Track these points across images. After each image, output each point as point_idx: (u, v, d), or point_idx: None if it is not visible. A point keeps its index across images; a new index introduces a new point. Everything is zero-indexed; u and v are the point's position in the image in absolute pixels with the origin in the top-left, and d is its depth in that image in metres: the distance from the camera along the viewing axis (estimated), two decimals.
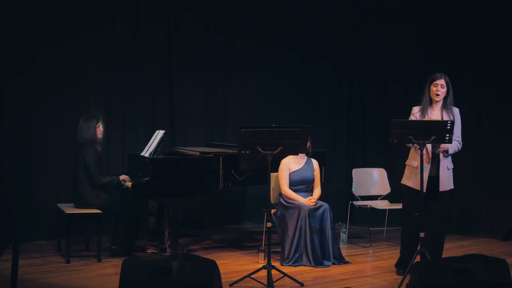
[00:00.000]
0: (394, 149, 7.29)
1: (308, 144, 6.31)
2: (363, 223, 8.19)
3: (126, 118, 7.70)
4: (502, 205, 7.65)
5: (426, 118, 5.56)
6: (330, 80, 8.67)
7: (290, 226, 6.16)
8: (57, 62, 7.19)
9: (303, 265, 6.09)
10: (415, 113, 5.67)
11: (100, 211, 6.22)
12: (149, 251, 6.55)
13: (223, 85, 8.33)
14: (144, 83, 7.81)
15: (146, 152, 6.48)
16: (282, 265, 6.07)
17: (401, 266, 5.78)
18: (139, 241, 6.71)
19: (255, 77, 8.45)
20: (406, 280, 4.88)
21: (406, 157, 5.80)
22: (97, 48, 7.42)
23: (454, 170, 5.74)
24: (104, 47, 7.47)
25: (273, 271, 5.37)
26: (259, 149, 5.37)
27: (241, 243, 7.28)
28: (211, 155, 6.38)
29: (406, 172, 5.78)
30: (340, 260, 6.24)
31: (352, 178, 7.65)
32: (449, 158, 5.66)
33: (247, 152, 5.41)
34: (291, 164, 6.44)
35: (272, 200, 6.57)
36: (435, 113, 5.63)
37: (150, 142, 6.61)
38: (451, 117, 5.58)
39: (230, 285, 5.36)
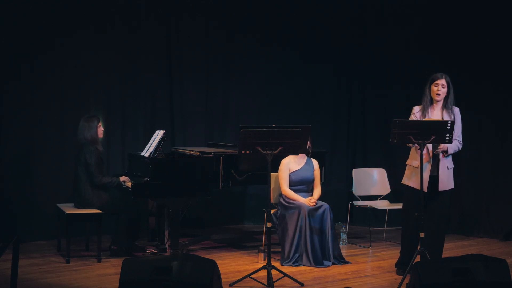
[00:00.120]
0: (394, 149, 7.29)
1: (308, 144, 6.31)
2: (363, 223, 8.19)
3: (126, 118, 7.70)
4: (502, 205, 7.66)
5: (426, 118, 5.56)
6: (330, 80, 8.67)
7: (290, 226, 6.16)
8: (57, 62, 7.19)
9: (303, 265, 6.09)
10: (416, 113, 5.67)
11: (100, 211, 6.22)
12: (149, 251, 6.55)
13: (223, 85, 8.33)
14: (144, 83, 7.81)
15: (146, 152, 6.48)
16: (282, 265, 6.07)
17: (401, 266, 5.78)
18: (139, 241, 6.71)
19: (255, 77, 8.45)
20: (406, 280, 4.88)
21: (406, 157, 5.80)
22: (97, 48, 7.42)
23: (454, 170, 5.74)
24: (104, 47, 7.47)
25: (273, 271, 5.37)
26: (259, 149, 5.37)
27: (241, 243, 7.28)
28: (211, 155, 6.38)
29: (407, 172, 5.78)
30: (340, 260, 6.24)
31: (352, 178, 7.66)
32: (450, 158, 5.65)
33: (247, 152, 5.41)
34: (291, 164, 6.44)
35: (272, 200, 6.57)
36: (435, 113, 5.63)
37: (150, 142, 6.62)
38: (452, 116, 5.58)
39: (230, 285, 5.36)
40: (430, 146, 5.52)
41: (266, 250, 5.65)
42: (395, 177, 7.16)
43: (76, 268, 5.95)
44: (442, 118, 5.58)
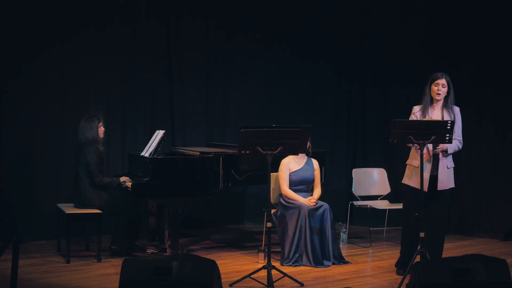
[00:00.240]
0: (394, 149, 7.29)
1: (308, 144, 6.30)
2: (363, 223, 8.19)
3: (126, 118, 7.70)
4: (502, 205, 7.66)
5: (427, 118, 5.56)
6: (330, 80, 8.67)
7: (290, 226, 6.16)
8: (57, 62, 7.19)
9: (303, 265, 6.09)
10: (416, 113, 5.67)
11: (100, 211, 6.22)
12: (149, 251, 6.54)
13: (223, 85, 8.33)
14: (144, 83, 7.81)
15: (146, 152, 6.48)
16: (282, 265, 6.07)
17: (401, 266, 5.78)
18: (139, 241, 6.71)
19: (255, 77, 8.45)
20: (406, 280, 4.88)
21: (406, 157, 5.80)
22: (97, 48, 7.42)
23: (454, 169, 5.73)
24: (104, 47, 7.47)
25: (273, 271, 5.37)
26: (259, 149, 5.37)
27: (241, 243, 7.28)
28: (211, 155, 6.38)
29: (407, 171, 5.78)
30: (340, 260, 6.24)
31: (352, 178, 7.65)
32: (450, 157, 5.65)
33: (247, 152, 5.41)
34: (291, 164, 6.44)
35: (272, 200, 6.57)
36: (435, 113, 5.63)
37: (150, 142, 6.62)
38: (452, 116, 5.58)
39: (230, 285, 5.36)
40: (430, 145, 5.52)
41: (266, 250, 5.65)
42: (395, 177, 7.16)
43: (76, 268, 5.94)
44: (442, 118, 5.58)
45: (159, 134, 6.53)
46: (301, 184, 6.42)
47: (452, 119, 5.53)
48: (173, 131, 7.99)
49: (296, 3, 8.47)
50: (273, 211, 6.40)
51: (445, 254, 5.88)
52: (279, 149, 5.39)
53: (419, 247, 5.35)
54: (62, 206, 6.45)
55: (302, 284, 5.42)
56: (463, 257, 4.16)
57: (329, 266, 6.10)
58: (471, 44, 7.77)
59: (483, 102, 7.74)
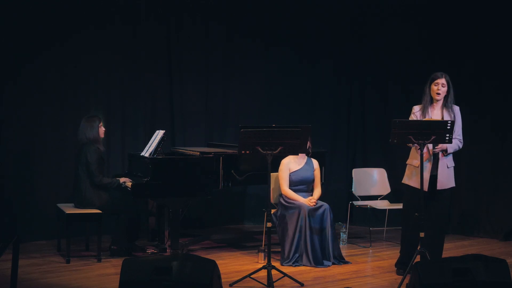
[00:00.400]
0: (394, 149, 7.29)
1: (308, 144, 6.30)
2: (363, 223, 8.19)
3: (126, 118, 7.70)
4: (502, 205, 7.65)
5: (426, 117, 5.56)
6: (330, 80, 8.67)
7: (290, 226, 6.16)
8: (57, 62, 7.19)
9: (303, 265, 6.09)
10: (416, 112, 5.67)
11: (100, 211, 6.22)
12: (149, 251, 6.54)
13: (223, 85, 8.33)
14: (144, 83, 7.81)
15: (146, 152, 6.48)
16: (282, 265, 6.07)
17: (401, 266, 5.78)
18: (139, 241, 6.71)
19: (255, 77, 8.45)
20: (406, 280, 4.88)
21: (406, 157, 5.80)
22: (97, 48, 7.42)
23: (454, 169, 5.73)
24: (104, 47, 7.47)
25: (273, 271, 5.37)
26: (259, 149, 5.36)
27: (241, 243, 7.28)
28: (211, 155, 6.38)
29: (407, 171, 5.77)
30: (340, 260, 6.24)
31: (352, 178, 7.65)
32: (450, 157, 5.65)
33: (247, 152, 5.41)
34: (291, 164, 6.44)
35: (272, 200, 6.57)
36: (435, 112, 5.63)
37: (150, 142, 6.62)
38: (452, 115, 5.59)
39: (230, 285, 5.36)
40: (430, 145, 5.52)
41: (266, 250, 5.65)
42: (395, 177, 7.16)
43: (76, 268, 5.94)
44: (442, 117, 5.58)
45: (159, 134, 6.53)
46: (301, 184, 6.41)
47: (452, 118, 5.53)
48: (173, 131, 7.99)
49: (296, 3, 8.47)
50: (273, 211, 6.40)
51: (445, 254, 5.89)
52: (279, 149, 5.39)
53: (419, 247, 5.35)
54: (62, 206, 6.45)
55: (302, 284, 5.42)
56: (463, 257, 4.16)
57: (329, 266, 6.10)
58: (471, 44, 7.77)
59: (483, 102, 7.73)
